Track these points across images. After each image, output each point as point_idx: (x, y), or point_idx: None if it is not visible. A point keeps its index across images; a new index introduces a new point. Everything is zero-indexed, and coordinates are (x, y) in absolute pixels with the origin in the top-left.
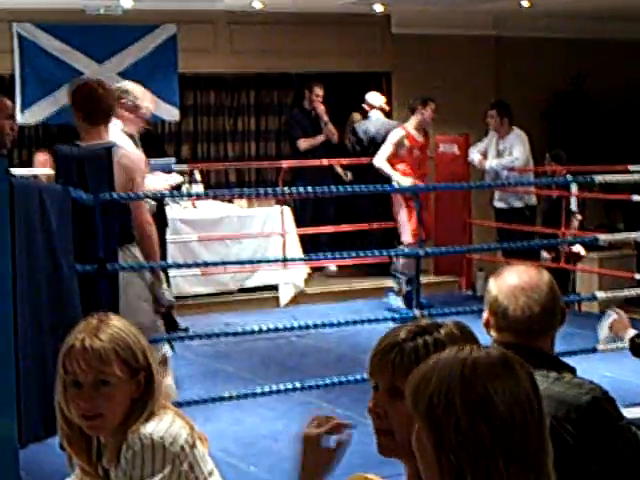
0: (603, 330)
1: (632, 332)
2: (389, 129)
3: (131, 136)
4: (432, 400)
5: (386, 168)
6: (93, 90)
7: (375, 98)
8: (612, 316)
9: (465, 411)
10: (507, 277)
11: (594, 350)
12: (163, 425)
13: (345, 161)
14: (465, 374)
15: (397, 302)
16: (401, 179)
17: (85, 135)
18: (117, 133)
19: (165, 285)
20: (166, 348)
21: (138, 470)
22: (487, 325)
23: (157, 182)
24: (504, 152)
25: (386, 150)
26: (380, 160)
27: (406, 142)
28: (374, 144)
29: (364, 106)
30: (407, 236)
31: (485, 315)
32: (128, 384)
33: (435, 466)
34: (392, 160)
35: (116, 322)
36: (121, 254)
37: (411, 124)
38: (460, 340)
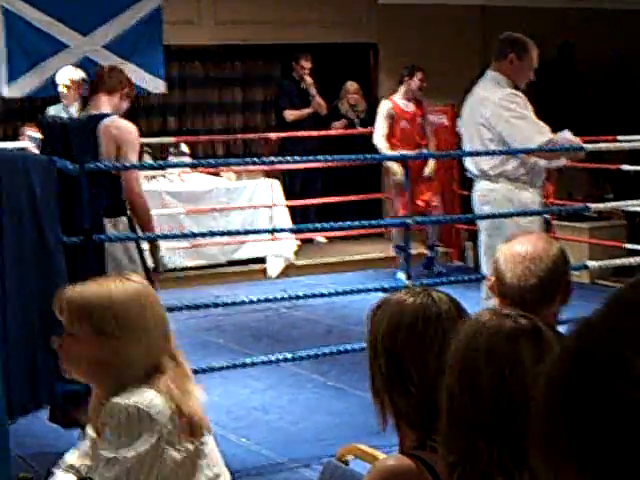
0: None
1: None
2: None
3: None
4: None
5: (383, 149)
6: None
7: None
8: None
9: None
10: (514, 244)
11: None
12: (148, 395)
13: (334, 132)
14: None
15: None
16: (394, 166)
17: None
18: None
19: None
20: None
21: (124, 438)
22: (492, 289)
23: None
24: None
25: (380, 126)
26: (378, 138)
27: (393, 113)
28: None
29: None
30: (398, 211)
31: (492, 279)
32: (92, 343)
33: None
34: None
35: (115, 283)
36: (111, 226)
37: (399, 94)
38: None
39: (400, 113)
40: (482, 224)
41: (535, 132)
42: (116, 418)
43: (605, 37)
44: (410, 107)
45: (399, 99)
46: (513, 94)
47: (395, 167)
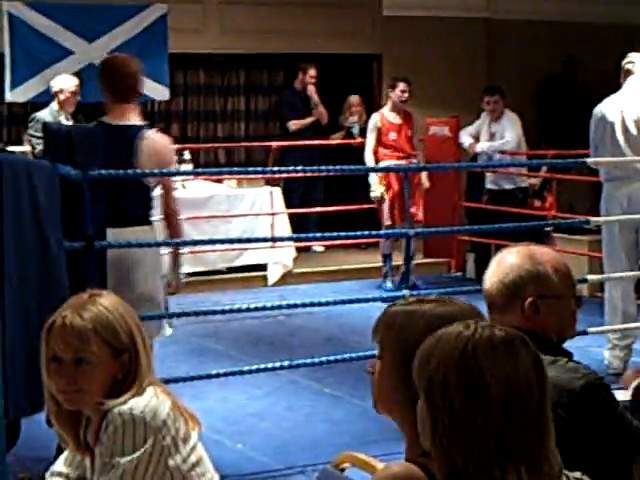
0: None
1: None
2: None
3: None
4: (431, 380)
5: (370, 164)
6: (119, 66)
7: None
8: None
9: (459, 394)
10: (505, 250)
11: (585, 333)
12: (144, 400)
13: (335, 141)
14: (464, 356)
15: (389, 284)
16: (374, 184)
17: (110, 112)
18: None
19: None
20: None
21: (119, 445)
22: None
23: None
24: (496, 135)
25: (369, 141)
26: (367, 153)
27: (379, 126)
28: None
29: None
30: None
31: None
32: (110, 363)
33: (431, 445)
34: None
35: (104, 300)
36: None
37: (387, 107)
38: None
39: (388, 125)
40: None
41: None
42: (112, 424)
43: (608, 51)
44: (398, 119)
45: (387, 111)
46: None
47: (375, 185)
